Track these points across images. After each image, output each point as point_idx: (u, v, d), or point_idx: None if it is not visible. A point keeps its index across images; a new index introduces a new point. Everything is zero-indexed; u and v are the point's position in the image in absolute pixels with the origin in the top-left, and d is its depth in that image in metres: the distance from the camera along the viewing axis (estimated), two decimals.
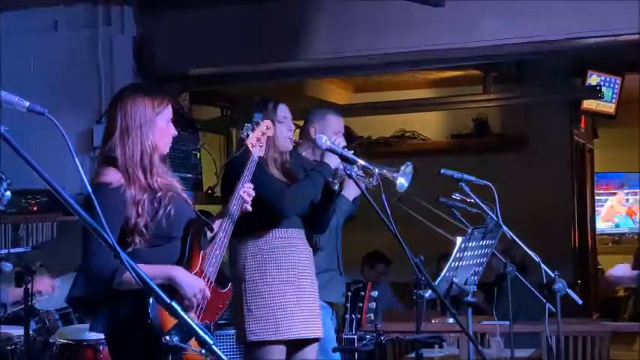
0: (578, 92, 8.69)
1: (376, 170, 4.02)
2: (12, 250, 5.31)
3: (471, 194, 4.25)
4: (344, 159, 4.00)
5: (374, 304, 3.53)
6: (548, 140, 8.78)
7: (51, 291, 5.17)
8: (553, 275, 4.17)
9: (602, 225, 11.13)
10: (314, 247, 4.45)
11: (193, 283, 3.20)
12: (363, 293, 3.50)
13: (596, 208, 10.60)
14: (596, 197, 10.62)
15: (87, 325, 4.98)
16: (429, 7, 5.99)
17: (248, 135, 3.79)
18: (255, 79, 7.09)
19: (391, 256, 7.38)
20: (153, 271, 3.03)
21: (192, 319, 2.00)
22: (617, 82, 8.58)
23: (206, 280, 3.30)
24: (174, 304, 1.97)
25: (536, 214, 8.20)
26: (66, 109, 5.95)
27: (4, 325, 5.17)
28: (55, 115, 2.09)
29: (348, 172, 3.95)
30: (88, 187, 2.15)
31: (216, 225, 3.50)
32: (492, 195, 4.20)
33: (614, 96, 8.60)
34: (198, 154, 7.03)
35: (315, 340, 4.29)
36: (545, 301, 4.22)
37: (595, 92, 8.36)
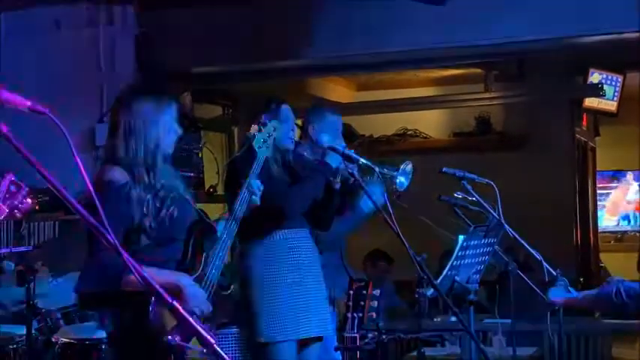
0: (580, 90, 8.69)
1: (377, 169, 4.02)
2: (14, 249, 5.31)
3: (473, 192, 4.25)
4: (345, 158, 4.00)
5: (376, 302, 3.53)
6: (550, 138, 8.77)
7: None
8: (555, 273, 4.17)
9: (606, 222, 11.12)
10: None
11: (199, 294, 3.19)
12: (364, 292, 3.50)
13: (599, 203, 10.60)
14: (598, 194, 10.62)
15: (89, 324, 5.00)
16: (430, 5, 5.98)
17: (255, 135, 3.79)
18: (257, 77, 7.09)
19: (393, 255, 7.38)
20: (160, 275, 3.03)
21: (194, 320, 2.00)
22: (619, 80, 8.58)
23: (208, 282, 3.30)
24: (176, 304, 1.97)
25: (538, 212, 8.18)
26: (68, 109, 5.94)
27: (6, 325, 5.18)
28: (56, 114, 2.09)
29: (349, 170, 3.96)
30: (90, 187, 2.15)
31: (219, 226, 3.50)
32: (494, 193, 4.20)
33: (616, 94, 8.60)
34: (200, 152, 7.03)
35: (319, 338, 4.31)
36: (547, 299, 4.21)
37: (597, 90, 8.35)
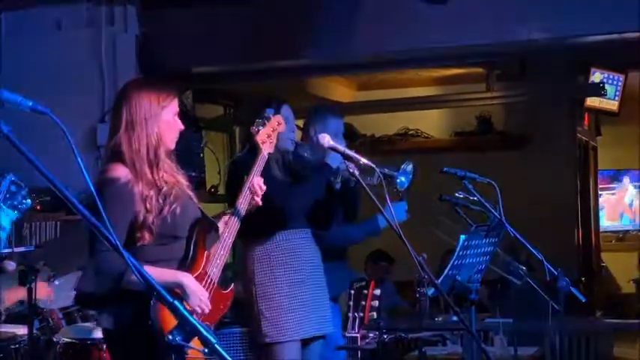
0: (582, 90, 8.68)
1: (377, 169, 4.02)
2: (15, 249, 5.31)
3: (474, 192, 4.24)
4: (346, 157, 4.00)
5: (377, 302, 3.53)
6: (551, 138, 8.77)
7: (49, 298, 5.17)
8: (556, 273, 4.17)
9: (606, 223, 11.12)
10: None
11: (200, 293, 3.19)
12: (366, 291, 3.51)
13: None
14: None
15: (90, 325, 5.01)
16: (431, 4, 5.98)
17: (259, 130, 3.78)
18: (258, 77, 7.09)
19: (394, 255, 7.38)
20: (162, 275, 3.04)
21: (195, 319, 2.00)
22: (621, 79, 8.58)
23: (209, 281, 3.30)
24: (176, 303, 1.97)
25: (540, 211, 8.19)
26: (69, 109, 5.94)
27: (7, 324, 5.18)
28: (57, 114, 2.09)
29: (350, 170, 3.96)
30: (92, 187, 2.15)
31: (221, 224, 3.50)
32: (495, 193, 4.19)
33: (618, 93, 8.60)
34: (202, 152, 7.03)
35: (321, 336, 4.32)
36: (548, 298, 4.21)
37: (598, 90, 8.35)
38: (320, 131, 4.56)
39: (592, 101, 8.71)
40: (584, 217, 9.35)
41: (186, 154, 6.65)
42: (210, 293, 3.26)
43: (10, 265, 4.96)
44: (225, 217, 3.54)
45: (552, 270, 4.19)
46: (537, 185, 8.54)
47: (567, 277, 4.22)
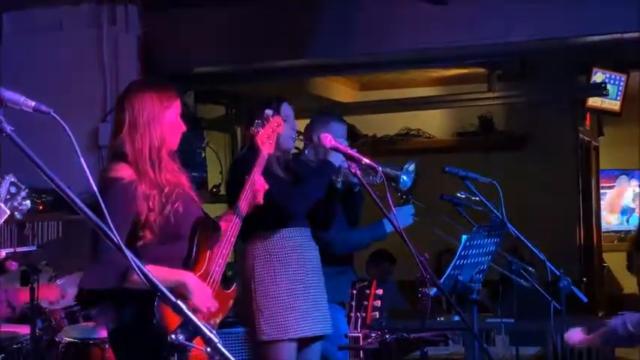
0: (583, 90, 8.68)
1: (380, 168, 4.03)
2: (18, 249, 5.32)
3: (476, 192, 4.25)
4: (348, 157, 4.01)
5: (379, 302, 3.53)
6: (553, 138, 8.77)
7: (58, 301, 5.17)
8: (558, 273, 4.17)
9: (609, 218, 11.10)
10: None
11: (204, 292, 3.19)
12: (368, 291, 3.50)
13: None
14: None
15: (93, 324, 5.00)
16: (432, 5, 5.99)
17: (258, 131, 3.79)
18: (260, 77, 7.09)
19: (396, 254, 7.38)
20: (165, 274, 3.04)
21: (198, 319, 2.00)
22: (622, 79, 8.57)
23: (212, 280, 3.30)
24: (179, 302, 1.97)
25: (541, 211, 8.19)
26: (71, 109, 5.94)
27: (10, 324, 5.19)
28: (60, 114, 2.10)
29: (352, 170, 3.96)
30: (94, 186, 2.15)
31: (223, 224, 3.50)
32: (497, 193, 4.20)
33: (619, 93, 8.59)
34: (203, 152, 7.03)
35: (321, 336, 4.31)
36: (550, 298, 4.22)
37: (600, 90, 8.34)
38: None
39: (594, 101, 8.70)
40: (585, 217, 9.35)
41: (188, 154, 6.65)
42: (213, 292, 3.26)
43: (13, 266, 4.96)
44: (227, 217, 3.55)
45: (554, 270, 4.20)
46: (539, 185, 8.54)
47: (569, 277, 4.22)
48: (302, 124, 4.83)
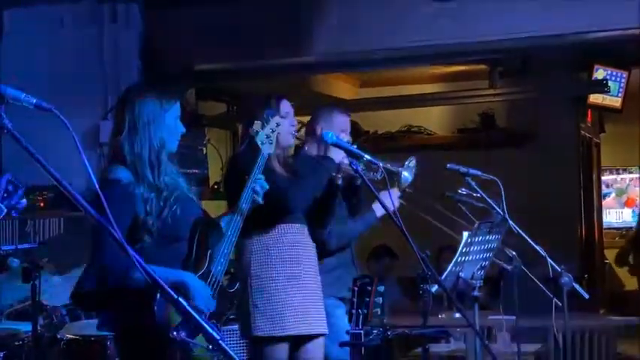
0: (585, 86, 8.67)
1: (381, 164, 4.02)
2: (19, 246, 5.32)
3: (478, 189, 4.25)
4: (349, 153, 4.00)
5: (380, 298, 3.53)
6: (554, 135, 8.76)
7: None
8: (559, 270, 4.17)
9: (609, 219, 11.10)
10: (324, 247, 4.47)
11: (204, 292, 3.19)
12: (369, 288, 3.50)
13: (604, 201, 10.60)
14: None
15: (94, 321, 5.00)
16: (435, 1, 5.99)
17: (258, 132, 3.79)
18: (261, 74, 7.09)
19: (397, 251, 7.38)
20: (166, 274, 3.03)
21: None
22: (624, 76, 8.55)
23: (213, 280, 3.30)
24: (180, 299, 1.97)
25: (543, 208, 8.18)
26: (72, 106, 5.93)
27: (11, 321, 5.19)
28: (61, 111, 2.10)
29: (353, 166, 3.96)
30: (95, 183, 2.15)
31: (223, 223, 3.50)
32: (499, 189, 4.20)
33: (621, 90, 8.58)
34: (205, 149, 7.04)
35: (320, 335, 4.30)
36: (551, 295, 4.22)
37: (601, 86, 8.33)
38: (325, 128, 4.56)
39: (595, 98, 8.69)
40: (587, 214, 9.34)
41: (190, 151, 6.66)
42: (215, 292, 3.26)
43: (14, 263, 4.96)
44: (228, 217, 3.54)
45: (555, 266, 4.20)
46: (540, 182, 8.53)
47: (570, 273, 4.22)
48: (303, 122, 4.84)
